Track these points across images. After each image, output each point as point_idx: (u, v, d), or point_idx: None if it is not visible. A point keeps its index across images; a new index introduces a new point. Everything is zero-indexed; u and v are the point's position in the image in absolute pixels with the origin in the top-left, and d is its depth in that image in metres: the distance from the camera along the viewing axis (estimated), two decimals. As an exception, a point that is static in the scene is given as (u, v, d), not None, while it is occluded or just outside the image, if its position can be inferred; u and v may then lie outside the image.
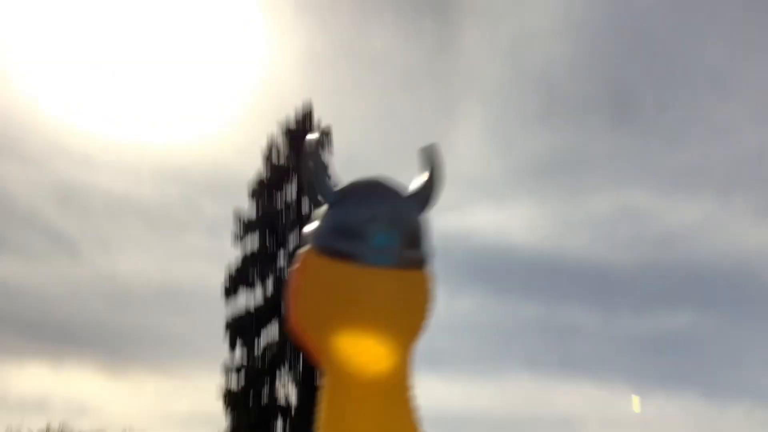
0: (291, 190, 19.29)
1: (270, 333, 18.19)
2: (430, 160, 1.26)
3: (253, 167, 19.59)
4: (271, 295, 18.17)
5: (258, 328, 18.02)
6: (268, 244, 18.80)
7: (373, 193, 1.20)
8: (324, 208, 1.22)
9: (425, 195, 1.24)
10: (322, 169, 1.22)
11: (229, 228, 18.89)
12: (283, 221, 18.80)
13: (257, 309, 18.02)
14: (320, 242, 1.20)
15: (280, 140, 19.64)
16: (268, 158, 19.40)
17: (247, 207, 19.10)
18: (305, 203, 19.18)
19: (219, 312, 18.46)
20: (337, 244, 1.17)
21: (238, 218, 18.81)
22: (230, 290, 18.40)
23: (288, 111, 20.22)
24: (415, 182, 1.27)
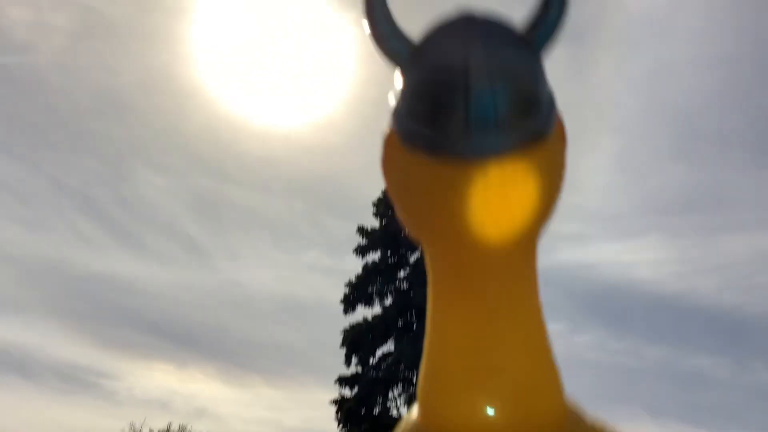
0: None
1: (386, 347, 18.20)
2: None
3: (380, 185, 19.79)
4: (390, 310, 18.18)
5: (374, 342, 18.06)
6: (389, 259, 18.88)
7: (461, 37, 0.77)
8: (398, 69, 0.83)
9: (544, 31, 0.80)
10: (383, 13, 0.81)
11: (350, 246, 19.17)
12: (406, 236, 18.80)
13: (374, 323, 18.08)
14: (397, 125, 0.83)
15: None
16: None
17: (371, 223, 19.32)
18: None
19: (335, 327, 18.71)
20: (415, 126, 0.79)
21: (362, 232, 19.04)
22: (349, 303, 18.60)
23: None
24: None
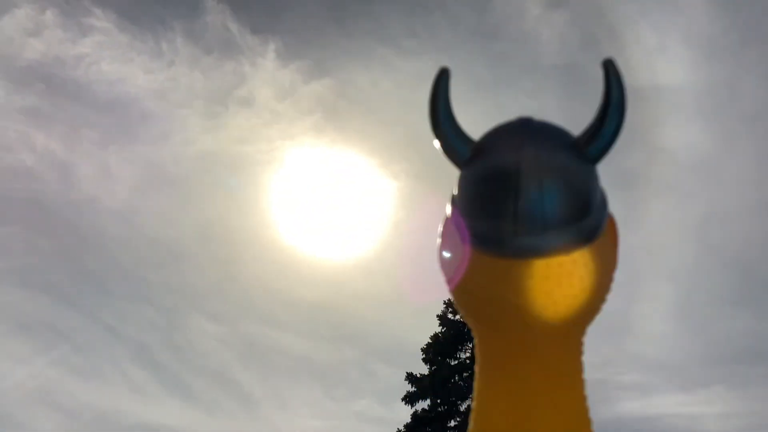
0: (465, 351, 18.90)
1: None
2: (609, 80, 0.83)
3: (429, 331, 19.61)
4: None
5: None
6: (439, 407, 18.25)
7: (516, 139, 0.81)
8: (459, 168, 0.87)
9: (599, 141, 0.83)
10: (445, 113, 0.86)
11: (401, 394, 18.69)
12: (457, 383, 18.28)
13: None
14: (454, 222, 0.88)
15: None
16: (443, 317, 19.34)
17: (420, 370, 18.91)
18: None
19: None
20: (471, 225, 0.83)
21: (411, 379, 18.58)
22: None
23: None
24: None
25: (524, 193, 0.79)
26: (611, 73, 0.83)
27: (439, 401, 18.30)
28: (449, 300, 19.67)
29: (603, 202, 0.88)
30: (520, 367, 0.89)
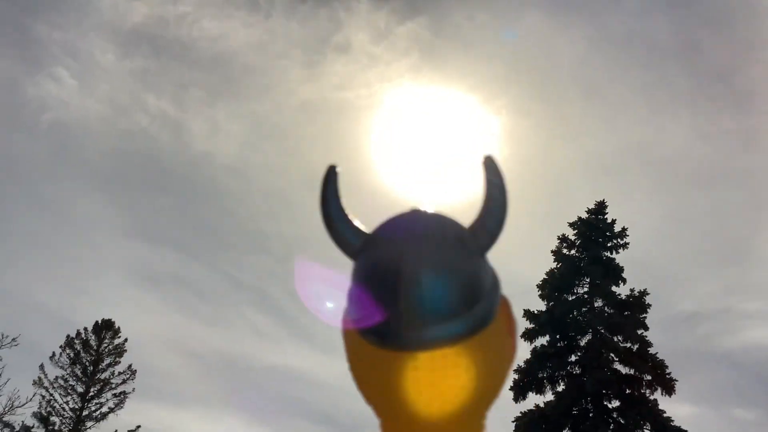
0: (582, 286, 18.56)
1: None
2: (489, 177, 0.89)
3: (543, 268, 19.37)
4: (563, 397, 17.30)
5: (549, 430, 17.18)
6: (558, 343, 18.11)
7: (401, 235, 0.85)
8: (351, 260, 0.91)
9: (484, 236, 0.87)
10: (337, 210, 0.91)
11: (518, 331, 18.69)
12: (575, 318, 18.04)
13: (547, 411, 17.24)
14: (348, 313, 0.91)
15: (572, 235, 19.21)
16: (558, 252, 19.03)
17: (537, 307, 18.77)
18: (598, 300, 18.29)
19: (506, 415, 18.04)
20: (359, 313, 0.87)
21: (528, 315, 18.50)
22: (519, 390, 17.93)
23: (580, 212, 19.79)
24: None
25: (404, 289, 0.81)
26: (491, 171, 0.88)
27: (558, 337, 18.16)
28: (563, 235, 19.34)
29: (493, 289, 0.89)
30: None
